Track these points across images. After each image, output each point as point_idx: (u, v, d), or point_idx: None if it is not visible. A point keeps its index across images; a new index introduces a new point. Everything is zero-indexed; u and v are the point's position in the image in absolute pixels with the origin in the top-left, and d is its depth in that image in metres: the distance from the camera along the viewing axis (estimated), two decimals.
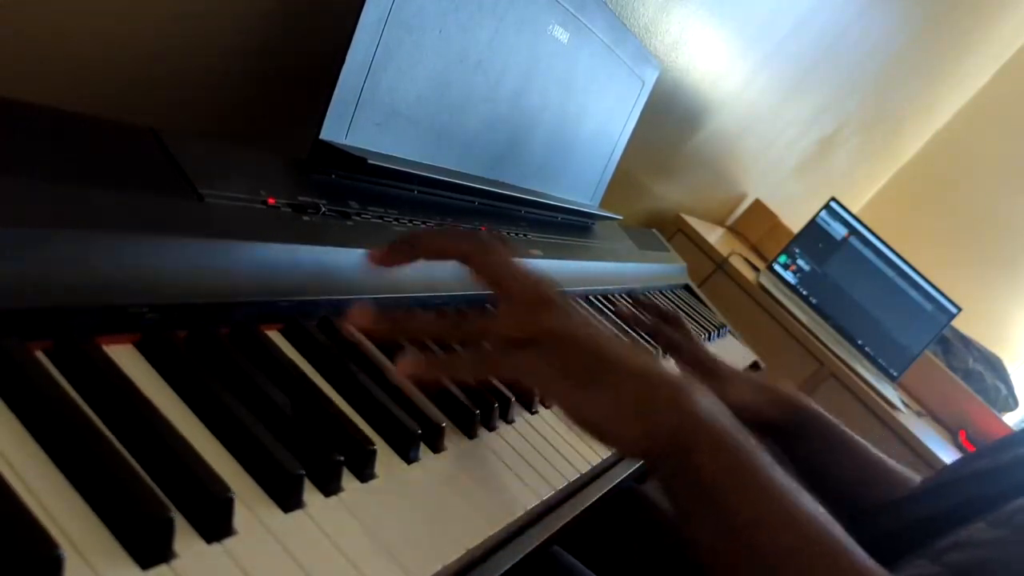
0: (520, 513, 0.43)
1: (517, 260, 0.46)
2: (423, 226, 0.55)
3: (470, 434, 0.47)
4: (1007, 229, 3.42)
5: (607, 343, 0.44)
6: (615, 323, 0.83)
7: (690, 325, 1.07)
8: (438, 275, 0.59)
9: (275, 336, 0.43)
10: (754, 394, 0.74)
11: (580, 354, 0.42)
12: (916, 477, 0.76)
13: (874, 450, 0.78)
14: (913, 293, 1.94)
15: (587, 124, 0.91)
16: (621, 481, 0.57)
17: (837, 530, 0.41)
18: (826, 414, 0.77)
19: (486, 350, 0.44)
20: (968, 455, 0.68)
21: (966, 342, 2.40)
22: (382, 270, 0.47)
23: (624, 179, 1.29)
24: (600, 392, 0.42)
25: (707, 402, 0.43)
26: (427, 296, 0.56)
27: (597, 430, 0.43)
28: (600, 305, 0.86)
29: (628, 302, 0.85)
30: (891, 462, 0.78)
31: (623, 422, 0.42)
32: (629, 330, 0.80)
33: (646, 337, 0.81)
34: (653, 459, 0.43)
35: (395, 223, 0.57)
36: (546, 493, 0.47)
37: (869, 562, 0.41)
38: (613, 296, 0.93)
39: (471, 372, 0.45)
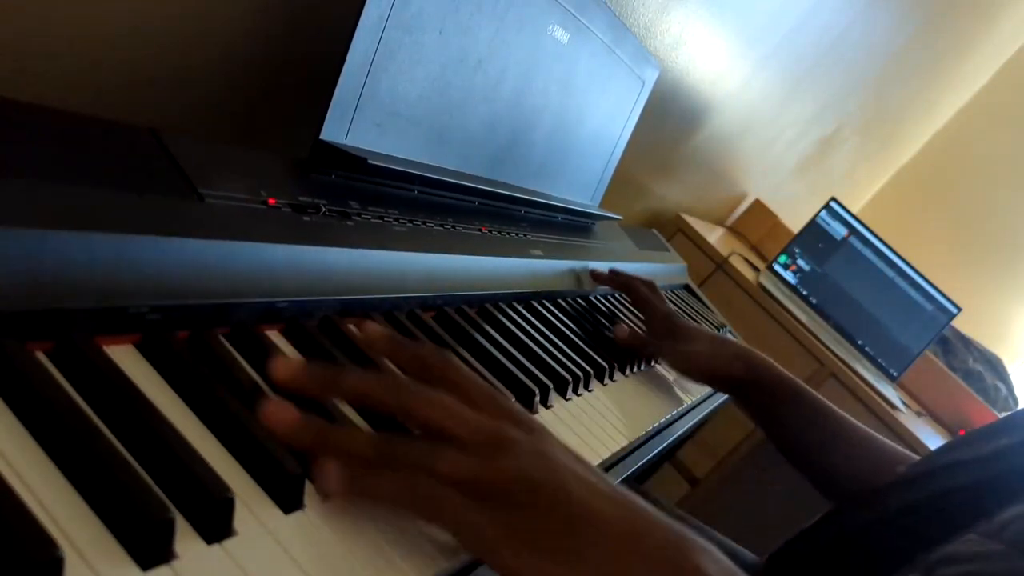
0: None
1: (457, 383, 0.37)
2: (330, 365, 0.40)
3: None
4: (1007, 229, 3.42)
5: (584, 492, 0.33)
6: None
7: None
8: (438, 275, 0.59)
9: (275, 336, 0.43)
10: (714, 351, 0.78)
11: (539, 507, 0.32)
12: (914, 456, 0.77)
13: (860, 425, 0.80)
14: (913, 293, 1.94)
15: (587, 124, 0.91)
16: (621, 481, 0.56)
17: None
18: (782, 371, 0.79)
19: (437, 490, 0.33)
20: (949, 443, 0.68)
21: (966, 342, 2.40)
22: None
23: (624, 179, 1.29)
24: (560, 565, 0.31)
25: (715, 568, 0.33)
26: (428, 296, 0.56)
27: None
28: (600, 306, 0.86)
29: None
30: (882, 440, 0.79)
31: None
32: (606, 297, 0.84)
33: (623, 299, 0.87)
34: None
35: (395, 223, 0.57)
36: None
37: None
38: (613, 296, 0.93)
39: (414, 509, 0.34)
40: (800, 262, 1.96)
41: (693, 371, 0.78)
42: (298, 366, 0.36)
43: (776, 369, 0.79)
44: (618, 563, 0.32)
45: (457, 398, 0.36)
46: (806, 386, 0.79)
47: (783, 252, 1.96)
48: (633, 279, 0.85)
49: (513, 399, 0.39)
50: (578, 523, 0.32)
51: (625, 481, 0.57)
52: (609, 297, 0.92)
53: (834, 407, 0.80)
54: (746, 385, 0.78)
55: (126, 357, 0.34)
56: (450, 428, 0.34)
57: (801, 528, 0.64)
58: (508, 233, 0.74)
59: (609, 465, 0.57)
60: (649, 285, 0.86)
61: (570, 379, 0.61)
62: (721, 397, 0.91)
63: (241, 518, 0.30)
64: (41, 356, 0.31)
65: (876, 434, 0.79)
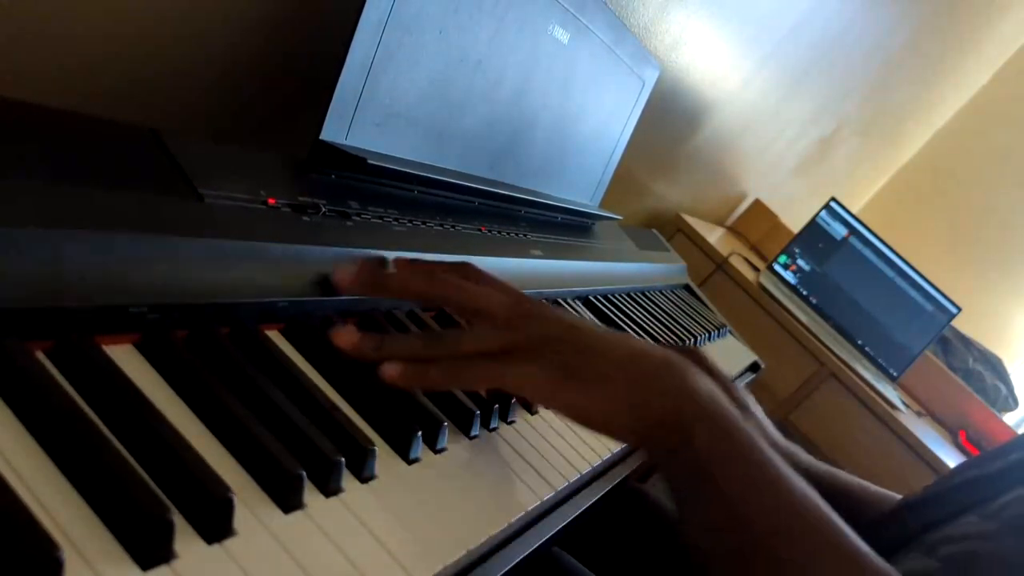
0: (520, 513, 0.43)
1: (479, 277, 0.46)
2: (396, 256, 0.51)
3: (470, 435, 0.47)
4: (1007, 229, 3.42)
5: (592, 336, 0.44)
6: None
7: (692, 324, 1.07)
8: None
9: (275, 336, 0.43)
10: None
11: (567, 353, 0.42)
12: (895, 496, 0.75)
13: (845, 476, 0.76)
14: (913, 293, 1.94)
15: (587, 124, 0.91)
16: (622, 481, 0.57)
17: (835, 517, 0.41)
18: (823, 465, 0.73)
19: (475, 362, 0.43)
20: (960, 465, 0.68)
21: (966, 342, 2.40)
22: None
23: (624, 179, 1.29)
24: (593, 386, 0.42)
25: (703, 383, 0.43)
26: None
27: (596, 424, 0.42)
28: (600, 305, 0.86)
29: None
30: (871, 488, 0.77)
31: (618, 413, 0.42)
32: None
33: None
34: (651, 446, 0.42)
35: (395, 223, 0.57)
36: (546, 493, 0.47)
37: (864, 546, 0.41)
38: (613, 296, 0.93)
39: (460, 383, 0.45)
40: (800, 262, 1.96)
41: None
42: (353, 275, 0.45)
43: (815, 467, 0.71)
44: (618, 376, 0.42)
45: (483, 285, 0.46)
46: (840, 473, 0.73)
47: (783, 252, 1.96)
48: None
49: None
50: (595, 354, 0.42)
51: (626, 479, 0.58)
52: (610, 297, 0.92)
53: (867, 484, 0.73)
54: None
55: (126, 357, 0.34)
56: (484, 307, 0.44)
57: None
58: (508, 233, 0.74)
59: (610, 465, 0.57)
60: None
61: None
62: None
63: (241, 518, 0.30)
64: (41, 356, 0.31)
65: (890, 492, 0.76)
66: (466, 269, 0.47)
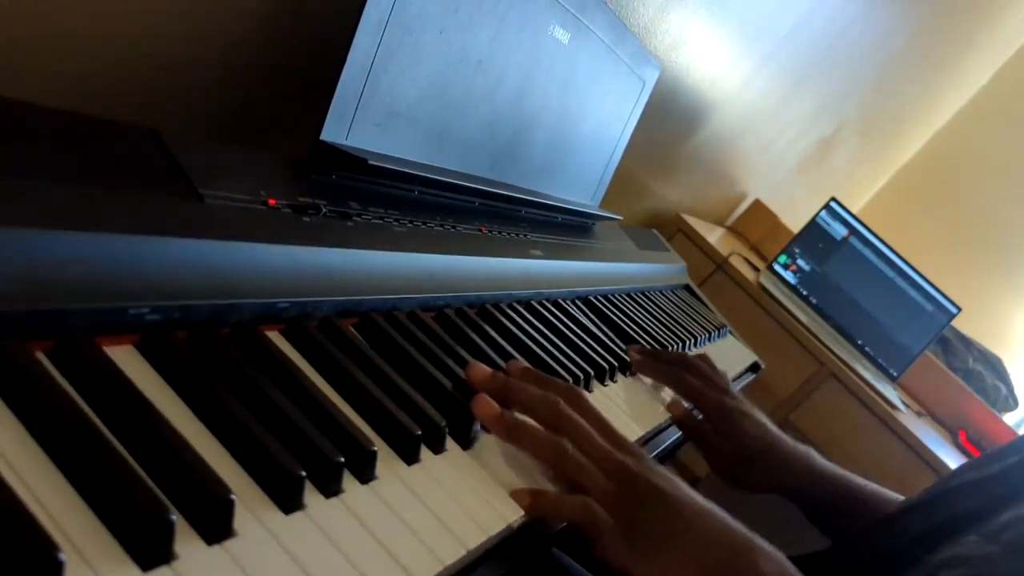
0: (520, 514, 0.43)
1: (588, 412, 0.50)
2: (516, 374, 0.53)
3: (470, 435, 0.47)
4: (1007, 229, 3.42)
5: (674, 512, 0.45)
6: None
7: (691, 323, 1.07)
8: (438, 275, 0.59)
9: (275, 336, 0.43)
10: (765, 465, 0.73)
11: (660, 522, 0.45)
12: (899, 496, 0.76)
13: (859, 480, 0.77)
14: (913, 293, 1.94)
15: (587, 124, 0.91)
16: None
17: None
18: (831, 471, 0.75)
19: (574, 498, 0.45)
20: (959, 467, 0.68)
21: (966, 342, 2.40)
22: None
23: (624, 179, 1.29)
24: (663, 543, 0.44)
25: (775, 564, 0.45)
26: (429, 297, 0.56)
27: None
28: (600, 306, 0.86)
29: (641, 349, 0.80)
30: (879, 491, 0.77)
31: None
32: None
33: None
34: None
35: (395, 223, 0.57)
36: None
37: None
38: (613, 296, 0.93)
39: (557, 516, 0.46)
40: (800, 262, 1.96)
41: (735, 484, 0.74)
42: (488, 374, 0.50)
43: (822, 471, 0.75)
44: (700, 556, 0.44)
45: (592, 428, 0.49)
46: (853, 478, 0.76)
47: (783, 252, 1.96)
48: (679, 370, 0.74)
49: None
50: (676, 528, 0.45)
51: None
52: (610, 297, 0.92)
53: (877, 488, 0.77)
54: (792, 495, 0.75)
55: (126, 357, 0.34)
56: (588, 451, 0.47)
57: (811, 552, 0.64)
58: (508, 233, 0.74)
59: None
60: (700, 368, 0.76)
61: (570, 379, 0.61)
62: None
63: (241, 518, 0.30)
64: (41, 356, 0.31)
65: (893, 493, 0.77)
66: (577, 398, 0.51)
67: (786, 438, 0.75)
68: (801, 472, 0.74)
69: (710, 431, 0.73)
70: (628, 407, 0.67)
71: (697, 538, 0.44)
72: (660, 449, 0.68)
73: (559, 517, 0.45)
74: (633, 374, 0.75)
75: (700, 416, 0.75)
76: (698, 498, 0.47)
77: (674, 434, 0.72)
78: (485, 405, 0.46)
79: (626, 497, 0.45)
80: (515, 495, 0.43)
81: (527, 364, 0.54)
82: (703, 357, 0.79)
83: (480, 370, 0.49)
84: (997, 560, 0.49)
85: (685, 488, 0.48)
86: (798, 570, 0.46)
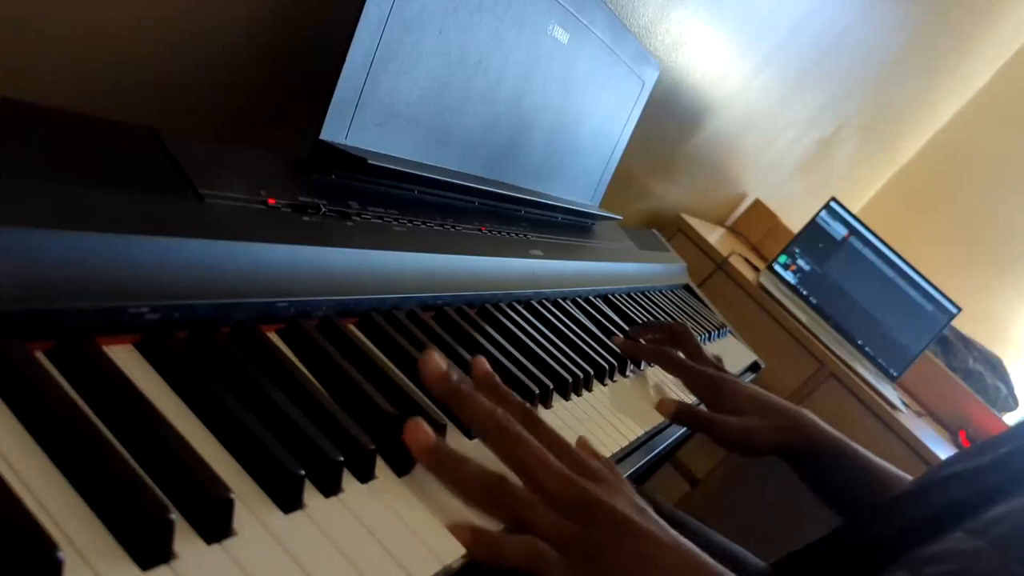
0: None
1: (545, 435, 0.45)
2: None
3: (470, 434, 0.47)
4: (1007, 229, 3.42)
5: (636, 551, 0.41)
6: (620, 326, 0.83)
7: (691, 323, 1.07)
8: (438, 275, 0.59)
9: (275, 336, 0.43)
10: (762, 421, 0.74)
11: (622, 560, 0.40)
12: (903, 476, 0.77)
13: (874, 457, 0.79)
14: (913, 293, 1.94)
15: (587, 124, 0.91)
16: None
17: None
18: (827, 429, 0.78)
19: (527, 542, 0.40)
20: (951, 457, 0.68)
21: (966, 342, 2.40)
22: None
23: (624, 179, 1.29)
24: None
25: None
26: (428, 296, 0.56)
27: None
28: (600, 306, 0.86)
29: (632, 328, 0.84)
30: (891, 468, 0.79)
31: None
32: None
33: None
34: None
35: (395, 223, 0.57)
36: None
37: None
38: (613, 296, 0.93)
39: (501, 559, 0.39)
40: (800, 262, 1.96)
41: (747, 449, 0.73)
42: (441, 373, 0.45)
43: (820, 428, 0.77)
44: None
45: (545, 448, 0.43)
46: (846, 440, 0.79)
47: (783, 252, 1.96)
48: (661, 348, 0.77)
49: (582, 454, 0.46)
50: (637, 565, 0.40)
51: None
52: (610, 297, 0.92)
53: (871, 456, 0.79)
54: (796, 450, 0.76)
55: (126, 357, 0.34)
56: (542, 479, 0.42)
57: (808, 543, 0.64)
58: (508, 233, 0.74)
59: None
60: (681, 337, 0.81)
61: (570, 379, 0.61)
62: None
63: (241, 518, 0.30)
64: (41, 356, 0.31)
65: (902, 474, 0.79)
66: (532, 419, 0.46)
67: (778, 398, 0.78)
68: (800, 425, 0.76)
69: (706, 413, 0.74)
70: (629, 406, 0.67)
71: (661, 574, 0.40)
72: (662, 448, 0.68)
73: (500, 560, 0.38)
74: (631, 373, 0.75)
75: (693, 398, 0.77)
76: (667, 530, 0.43)
77: (676, 432, 0.72)
78: (418, 433, 0.40)
79: (581, 532, 0.40)
80: (454, 530, 0.38)
81: (489, 369, 0.49)
82: (684, 329, 0.82)
83: (434, 364, 0.44)
84: (983, 555, 0.48)
85: (652, 519, 0.43)
86: None
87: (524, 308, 0.70)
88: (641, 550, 0.41)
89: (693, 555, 0.43)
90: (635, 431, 0.64)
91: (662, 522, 0.44)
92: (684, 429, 0.74)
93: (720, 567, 0.43)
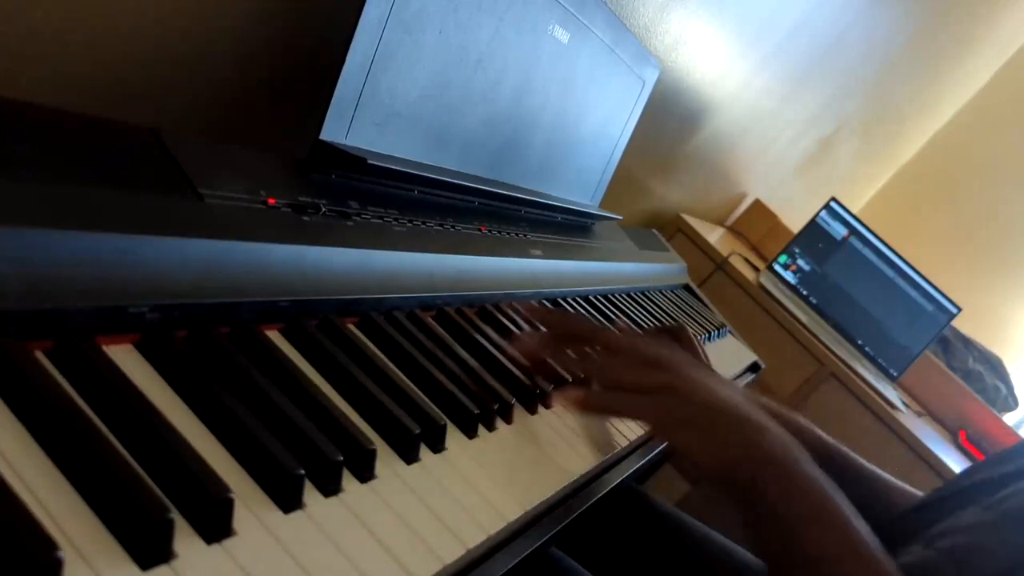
0: (519, 514, 0.43)
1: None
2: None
3: (470, 434, 0.47)
4: (1007, 229, 3.42)
5: (707, 392, 0.52)
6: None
7: (691, 323, 1.07)
8: (438, 275, 0.59)
9: (275, 336, 0.43)
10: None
11: (687, 405, 0.51)
12: (916, 492, 0.77)
13: (870, 466, 0.79)
14: (913, 293, 1.94)
15: (587, 124, 0.91)
16: (621, 482, 0.57)
17: (880, 549, 0.47)
18: (824, 436, 0.78)
19: (624, 396, 0.53)
20: (969, 468, 0.68)
21: (966, 342, 2.40)
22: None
23: (624, 179, 1.29)
24: (701, 438, 0.51)
25: (779, 441, 0.51)
26: (428, 296, 0.56)
27: (687, 456, 0.51)
28: (600, 306, 0.86)
29: (628, 322, 0.84)
30: (890, 478, 0.79)
31: (707, 456, 0.50)
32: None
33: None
34: (727, 485, 0.50)
35: (395, 223, 0.57)
36: (545, 494, 0.47)
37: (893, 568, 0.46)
38: (613, 296, 0.93)
39: (611, 413, 0.57)
40: (800, 262, 1.96)
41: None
42: (532, 348, 0.58)
43: (817, 435, 0.76)
44: (734, 437, 0.50)
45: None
46: (844, 448, 0.79)
47: (783, 252, 1.96)
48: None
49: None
50: (706, 411, 0.51)
51: (625, 480, 0.57)
52: (610, 297, 0.92)
53: (870, 466, 0.79)
54: None
55: (126, 357, 0.34)
56: (627, 351, 0.55)
57: None
58: (508, 233, 0.74)
59: (610, 464, 0.57)
60: (679, 339, 0.74)
61: (570, 379, 0.61)
62: None
63: (241, 518, 0.30)
64: (41, 356, 0.31)
65: (900, 484, 0.79)
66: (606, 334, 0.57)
67: (773, 402, 0.78)
68: (797, 431, 0.75)
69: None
70: None
71: (716, 420, 0.51)
72: (662, 447, 0.67)
73: (605, 410, 0.55)
74: None
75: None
76: (725, 387, 0.55)
77: None
78: (561, 398, 0.55)
79: (661, 380, 0.52)
80: (561, 398, 0.54)
81: (543, 317, 0.61)
82: (683, 330, 0.76)
83: (524, 347, 0.57)
84: (993, 526, 0.51)
85: (714, 376, 0.56)
86: (805, 451, 0.52)
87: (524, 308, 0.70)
88: (707, 400, 0.52)
89: (742, 406, 0.53)
90: (635, 430, 0.64)
91: (725, 381, 0.57)
92: None
93: (764, 416, 0.53)
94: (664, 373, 0.53)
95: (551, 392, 0.56)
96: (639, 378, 0.52)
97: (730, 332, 1.27)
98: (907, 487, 0.78)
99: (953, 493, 0.63)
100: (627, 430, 0.63)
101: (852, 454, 0.79)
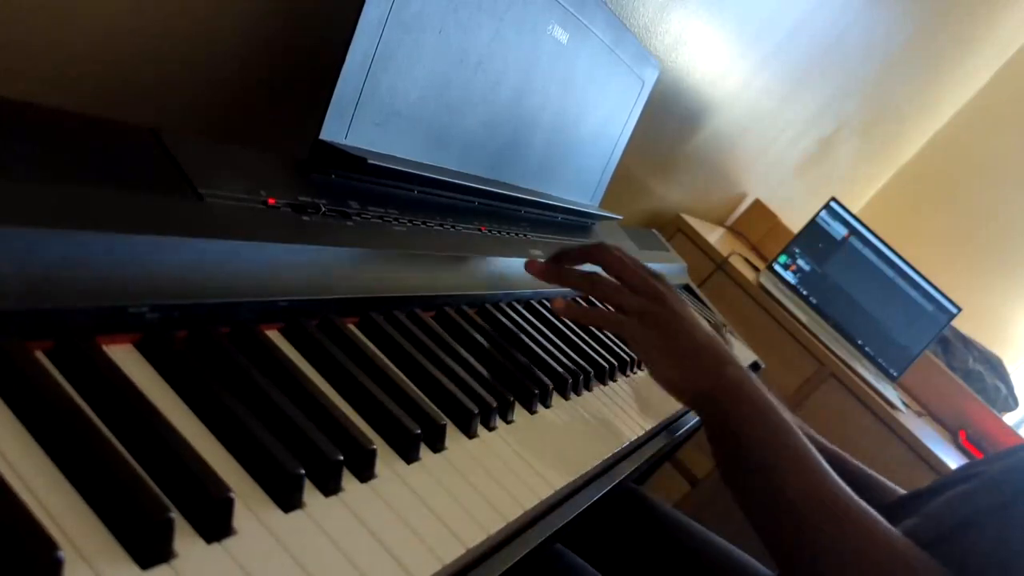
0: (520, 512, 0.43)
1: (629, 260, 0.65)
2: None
3: (470, 434, 0.47)
4: (1007, 229, 3.42)
5: (686, 323, 0.62)
6: None
7: None
8: (438, 275, 0.59)
9: (275, 336, 0.43)
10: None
11: (669, 333, 0.61)
12: (898, 489, 0.78)
13: (867, 470, 0.81)
14: (913, 293, 1.94)
15: (587, 124, 0.91)
16: (621, 481, 0.57)
17: (818, 457, 0.57)
18: (820, 438, 0.81)
19: (612, 314, 0.63)
20: (962, 466, 0.69)
21: (966, 342, 2.40)
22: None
23: (624, 179, 1.29)
24: (677, 362, 0.61)
25: (741, 373, 0.61)
26: (430, 296, 0.56)
27: (662, 381, 0.62)
28: (601, 305, 0.86)
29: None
30: (886, 482, 0.80)
31: (683, 380, 0.61)
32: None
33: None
34: (696, 406, 0.62)
35: (395, 223, 0.57)
36: (546, 492, 0.47)
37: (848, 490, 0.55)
38: None
39: (598, 324, 0.66)
40: (800, 262, 1.96)
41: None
42: (566, 304, 0.64)
43: (815, 438, 0.79)
44: (704, 365, 0.61)
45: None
46: (836, 449, 0.83)
47: (783, 252, 1.96)
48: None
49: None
50: (685, 342, 0.62)
51: (623, 482, 0.58)
52: None
53: (857, 463, 0.84)
54: None
55: (126, 357, 0.34)
56: (627, 277, 0.64)
57: None
58: (508, 233, 0.74)
59: (609, 465, 0.57)
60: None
61: (570, 379, 0.61)
62: None
63: (241, 517, 0.30)
64: (41, 356, 0.31)
65: (896, 487, 0.82)
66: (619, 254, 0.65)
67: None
68: None
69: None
70: (631, 404, 0.68)
71: (687, 347, 0.61)
72: (664, 445, 0.68)
73: (590, 321, 0.64)
74: (632, 373, 0.75)
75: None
76: (701, 324, 0.64)
77: (677, 430, 0.72)
78: (532, 266, 0.65)
79: (652, 307, 0.61)
80: (555, 304, 0.63)
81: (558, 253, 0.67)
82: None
83: (563, 307, 0.64)
84: (978, 490, 0.57)
85: (693, 314, 0.64)
86: (761, 384, 0.61)
87: (524, 308, 0.70)
88: (682, 327, 0.62)
89: (710, 337, 0.63)
90: (635, 430, 0.64)
91: (700, 319, 0.65)
92: (685, 428, 0.75)
93: (730, 353, 0.63)
94: (654, 303, 0.61)
95: (553, 303, 0.64)
96: (637, 304, 0.61)
97: (730, 332, 1.27)
98: (902, 491, 0.79)
99: (944, 484, 0.64)
100: (627, 430, 0.63)
101: (849, 457, 0.80)
